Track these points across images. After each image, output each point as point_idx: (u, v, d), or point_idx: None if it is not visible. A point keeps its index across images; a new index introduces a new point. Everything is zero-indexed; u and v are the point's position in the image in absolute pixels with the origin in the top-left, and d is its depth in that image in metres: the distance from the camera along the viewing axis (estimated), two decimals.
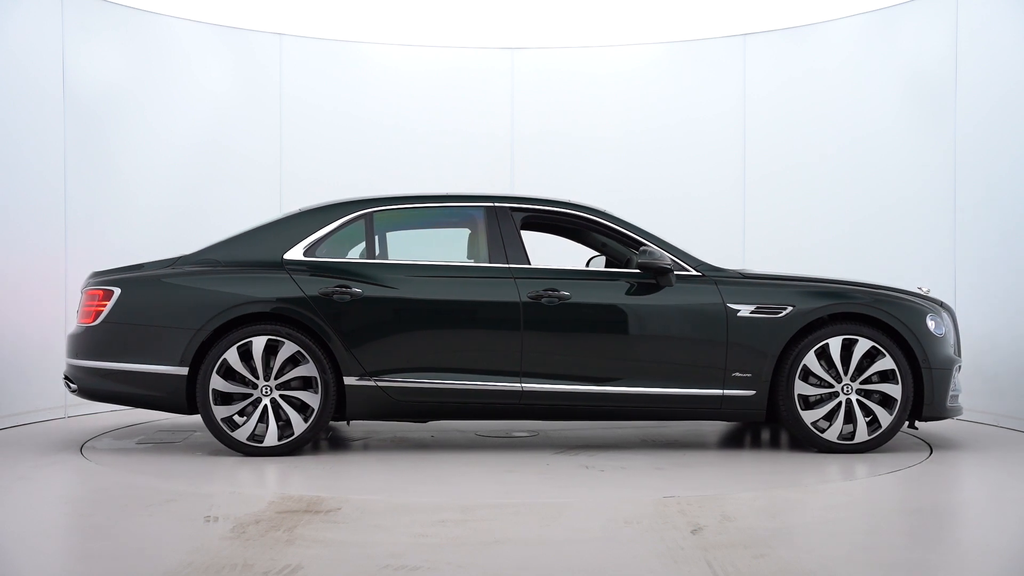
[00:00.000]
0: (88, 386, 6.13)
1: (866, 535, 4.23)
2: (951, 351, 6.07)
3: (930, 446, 6.23)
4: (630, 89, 9.21)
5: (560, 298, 5.97)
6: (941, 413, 6.01)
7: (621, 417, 6.08)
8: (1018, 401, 6.90)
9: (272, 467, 5.80)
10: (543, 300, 5.97)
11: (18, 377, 7.17)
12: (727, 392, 5.93)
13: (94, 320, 6.08)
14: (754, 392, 5.92)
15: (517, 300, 5.98)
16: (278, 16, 8.96)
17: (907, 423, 6.06)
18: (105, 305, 6.07)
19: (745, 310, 5.96)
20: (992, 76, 7.16)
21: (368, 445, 6.54)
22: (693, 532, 4.21)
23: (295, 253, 6.09)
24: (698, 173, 9.00)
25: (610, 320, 6.01)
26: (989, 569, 3.86)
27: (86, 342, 6.10)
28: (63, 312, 7.50)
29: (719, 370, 5.93)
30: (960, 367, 6.16)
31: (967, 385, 6.69)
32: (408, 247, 6.57)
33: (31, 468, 5.68)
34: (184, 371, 5.92)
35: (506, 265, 6.09)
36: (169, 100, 8.32)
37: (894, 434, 5.95)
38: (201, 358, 5.93)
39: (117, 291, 6.06)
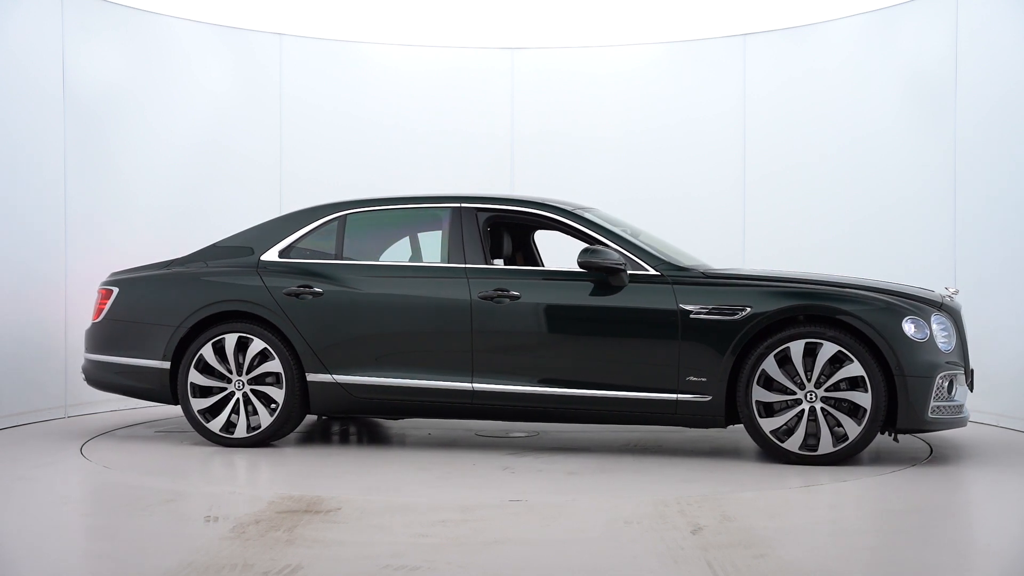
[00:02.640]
0: (93, 377, 6.70)
1: (866, 535, 4.23)
2: (937, 357, 5.55)
3: (930, 446, 6.23)
4: (630, 89, 9.21)
5: (511, 298, 5.95)
6: (919, 425, 5.55)
7: (574, 420, 5.99)
8: (1018, 401, 6.90)
9: (272, 467, 5.81)
10: (493, 300, 5.96)
11: (18, 377, 7.17)
12: (681, 397, 5.71)
13: (98, 317, 6.64)
14: (710, 397, 5.67)
15: (468, 300, 6.00)
16: (278, 16, 8.95)
17: (890, 435, 5.74)
18: (106, 303, 6.62)
19: (698, 311, 5.70)
20: (992, 76, 7.15)
21: (368, 444, 6.54)
22: (693, 532, 4.21)
23: (271, 255, 6.43)
24: (698, 173, 8.99)
25: (559, 321, 5.93)
26: (989, 569, 3.87)
27: (93, 337, 6.68)
28: (63, 312, 7.50)
29: (672, 374, 5.71)
30: (960, 375, 5.68)
31: None
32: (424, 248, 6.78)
33: (31, 468, 5.68)
34: (167, 365, 6.36)
35: (461, 265, 6.12)
36: (169, 100, 8.32)
37: (864, 446, 5.53)
38: (183, 353, 6.33)
39: (116, 290, 6.61)
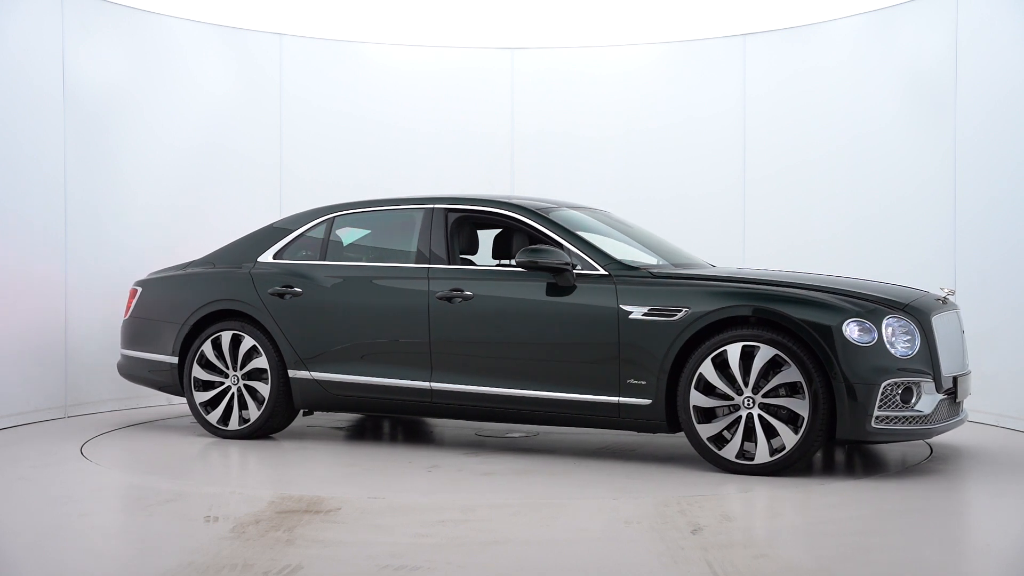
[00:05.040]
0: (124, 370, 7.18)
1: (866, 535, 4.23)
2: (886, 362, 5.16)
3: (930, 446, 6.23)
4: (630, 89, 9.21)
5: (464, 298, 5.98)
6: (861, 436, 5.16)
7: (526, 421, 5.96)
8: (1018, 401, 6.90)
9: (272, 467, 5.81)
10: (450, 300, 6.00)
11: (18, 377, 7.17)
12: (623, 400, 5.56)
13: (127, 315, 7.11)
14: (650, 401, 5.49)
15: (426, 300, 6.06)
16: (278, 16, 8.95)
17: (842, 442, 5.38)
18: (132, 302, 7.09)
19: (637, 312, 5.53)
20: (992, 76, 7.15)
21: (368, 443, 6.54)
22: (693, 532, 4.21)
23: (266, 256, 6.72)
24: (698, 173, 9.00)
25: (508, 321, 5.87)
26: (989, 569, 3.87)
27: (122, 333, 7.16)
28: (63, 312, 7.50)
29: (613, 376, 5.56)
30: (925, 383, 5.24)
31: None
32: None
33: (31, 468, 5.68)
34: (176, 360, 6.77)
35: (424, 265, 6.19)
36: (169, 100, 8.32)
37: (803, 455, 5.20)
38: (188, 349, 6.72)
39: (139, 290, 7.09)
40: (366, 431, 7.07)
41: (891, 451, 6.05)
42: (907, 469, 5.56)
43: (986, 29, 7.23)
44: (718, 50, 8.97)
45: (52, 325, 7.44)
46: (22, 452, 6.17)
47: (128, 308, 7.09)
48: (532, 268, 5.80)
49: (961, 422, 5.63)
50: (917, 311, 5.38)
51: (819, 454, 5.95)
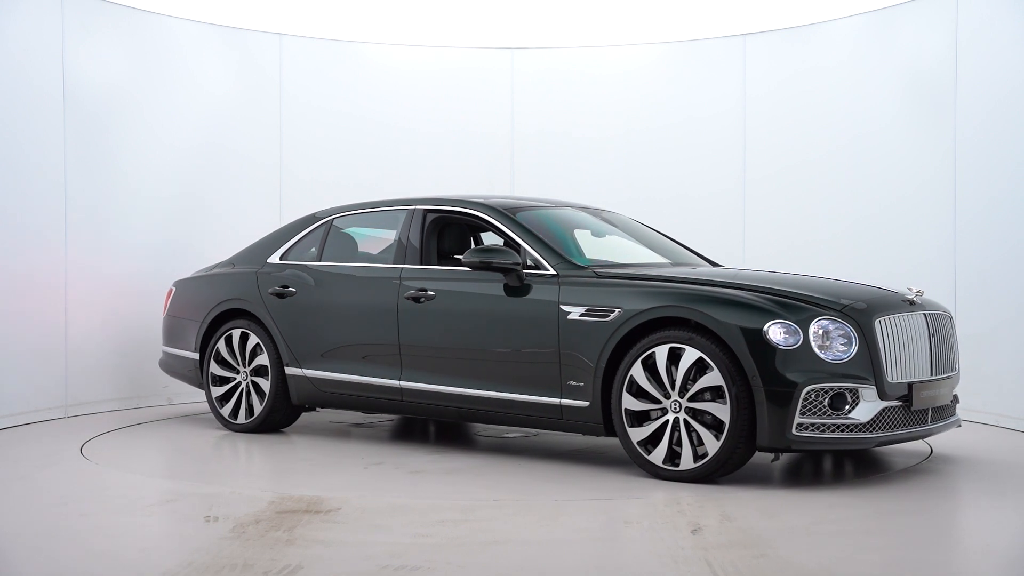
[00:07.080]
0: (163, 365, 7.51)
1: (866, 535, 4.23)
2: (810, 367, 4.90)
3: (930, 446, 6.22)
4: (630, 89, 9.21)
5: (427, 298, 6.03)
6: (780, 443, 4.92)
7: (485, 420, 6.02)
8: (1018, 401, 6.90)
9: (272, 466, 5.81)
10: (417, 300, 6.06)
11: (18, 377, 7.17)
12: (564, 401, 5.50)
13: (165, 313, 7.44)
14: (588, 403, 5.40)
15: (395, 300, 6.14)
16: (278, 16, 8.95)
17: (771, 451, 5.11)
18: (168, 301, 7.41)
19: (575, 312, 5.46)
20: (992, 76, 7.15)
21: (366, 443, 6.54)
22: (693, 532, 4.22)
23: (274, 257, 6.95)
24: (698, 173, 9.00)
25: (465, 321, 5.89)
26: (989, 569, 3.87)
27: (162, 330, 7.49)
28: (63, 312, 7.49)
29: (555, 377, 5.51)
30: (864, 389, 4.98)
31: (966, 386, 6.08)
32: None
33: (31, 468, 5.68)
34: (197, 356, 7.06)
35: (398, 266, 6.27)
36: (169, 100, 8.31)
37: (728, 461, 5.01)
38: (207, 346, 7.01)
39: (174, 290, 7.40)
40: (400, 430, 7.08)
41: (891, 451, 6.05)
42: (907, 469, 5.56)
43: (986, 29, 7.23)
44: (718, 50, 8.97)
45: (52, 325, 7.43)
46: (22, 452, 6.18)
47: (165, 307, 7.42)
48: (479, 268, 5.79)
49: (930, 432, 5.37)
50: (857, 313, 5.09)
51: (823, 455, 5.95)
